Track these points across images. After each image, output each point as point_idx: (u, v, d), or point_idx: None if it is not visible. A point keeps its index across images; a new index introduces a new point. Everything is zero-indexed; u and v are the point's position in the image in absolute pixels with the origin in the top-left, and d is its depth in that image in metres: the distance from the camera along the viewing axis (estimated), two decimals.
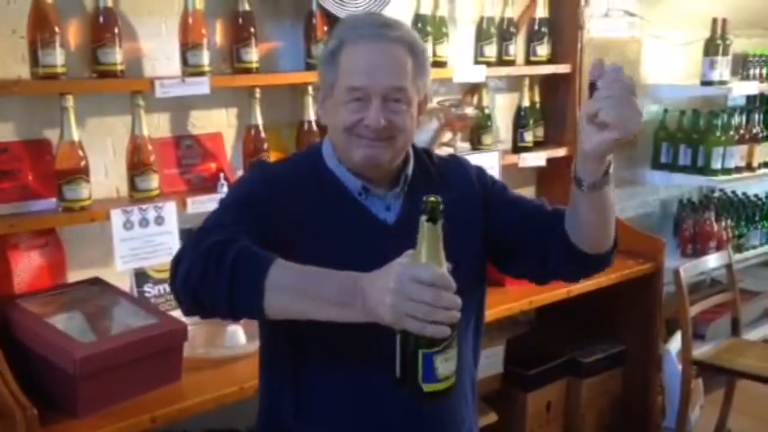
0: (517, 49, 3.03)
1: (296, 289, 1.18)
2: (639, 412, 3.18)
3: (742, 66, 3.89)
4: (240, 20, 2.31)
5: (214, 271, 1.18)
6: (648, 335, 3.13)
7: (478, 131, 2.94)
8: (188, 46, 2.19)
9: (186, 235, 2.31)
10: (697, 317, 3.03)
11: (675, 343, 3.22)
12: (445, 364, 1.13)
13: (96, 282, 2.15)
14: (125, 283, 2.25)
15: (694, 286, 3.10)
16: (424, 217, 1.11)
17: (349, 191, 1.39)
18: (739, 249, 3.67)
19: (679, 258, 3.47)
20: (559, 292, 2.75)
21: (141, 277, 2.29)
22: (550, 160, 3.12)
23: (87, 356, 1.80)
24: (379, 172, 1.39)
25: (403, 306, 1.09)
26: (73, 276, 2.15)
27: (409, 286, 1.08)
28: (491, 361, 2.85)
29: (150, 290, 2.30)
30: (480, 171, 1.53)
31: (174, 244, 2.18)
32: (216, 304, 1.21)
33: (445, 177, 1.47)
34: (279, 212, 1.32)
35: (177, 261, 1.27)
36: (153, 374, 1.95)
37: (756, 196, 3.94)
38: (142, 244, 2.11)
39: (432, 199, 1.11)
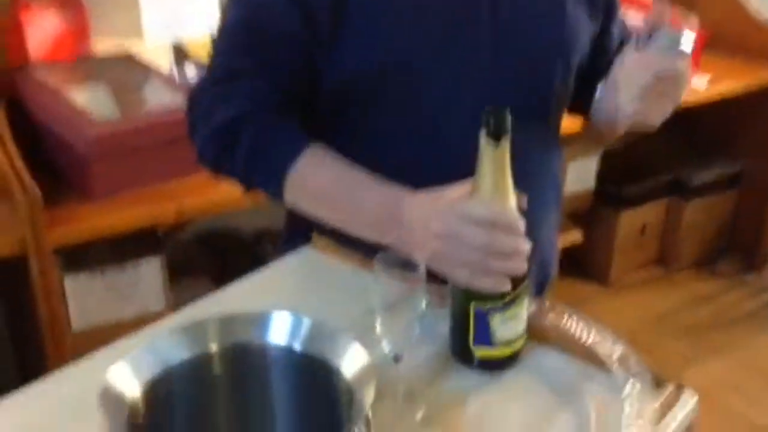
0: None
1: (321, 199, 0.99)
2: (749, 240, 2.83)
3: None
4: None
5: (228, 163, 1.02)
6: None
7: None
8: None
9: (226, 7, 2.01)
10: None
11: None
12: (505, 325, 0.83)
13: (127, 57, 1.90)
14: (163, 61, 1.99)
15: None
16: (483, 131, 0.79)
17: None
18: None
19: None
20: None
21: (179, 54, 2.01)
22: None
23: (101, 135, 1.57)
24: None
25: (449, 252, 0.83)
26: (100, 47, 1.90)
27: (458, 225, 0.82)
28: (581, 174, 2.55)
29: (190, 72, 2.04)
30: None
31: (212, 15, 1.88)
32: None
33: None
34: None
35: (192, 114, 1.04)
36: (184, 160, 1.72)
37: None
38: (173, 13, 1.82)
39: (495, 108, 0.78)
